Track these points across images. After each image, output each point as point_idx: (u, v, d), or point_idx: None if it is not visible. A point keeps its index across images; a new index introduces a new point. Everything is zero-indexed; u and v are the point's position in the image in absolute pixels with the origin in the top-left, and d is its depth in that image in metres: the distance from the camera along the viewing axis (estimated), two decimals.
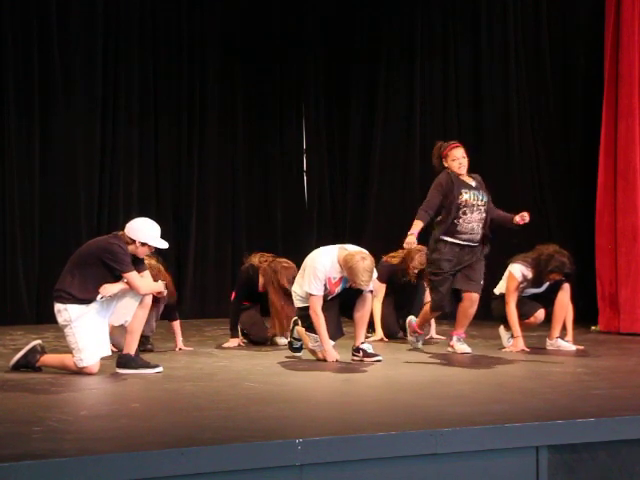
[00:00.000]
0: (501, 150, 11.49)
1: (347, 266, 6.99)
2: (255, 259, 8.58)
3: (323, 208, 13.07)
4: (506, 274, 8.04)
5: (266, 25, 12.74)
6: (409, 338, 8.10)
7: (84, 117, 11.56)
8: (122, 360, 6.65)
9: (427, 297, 9.13)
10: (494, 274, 8.11)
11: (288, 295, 7.99)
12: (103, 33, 11.69)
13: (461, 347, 7.71)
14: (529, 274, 7.89)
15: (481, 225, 7.61)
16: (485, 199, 7.67)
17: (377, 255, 8.21)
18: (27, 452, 3.84)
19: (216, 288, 12.29)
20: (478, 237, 7.60)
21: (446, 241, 7.55)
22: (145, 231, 6.64)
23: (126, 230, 6.64)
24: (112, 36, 11.78)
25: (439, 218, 7.62)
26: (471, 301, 7.62)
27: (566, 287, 7.93)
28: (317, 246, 7.67)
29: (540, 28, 11.14)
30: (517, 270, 7.92)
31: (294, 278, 8.14)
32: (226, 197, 12.54)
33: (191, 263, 12.23)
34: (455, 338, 7.75)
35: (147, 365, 6.63)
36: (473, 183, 7.69)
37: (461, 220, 7.54)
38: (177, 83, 12.25)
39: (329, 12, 12.98)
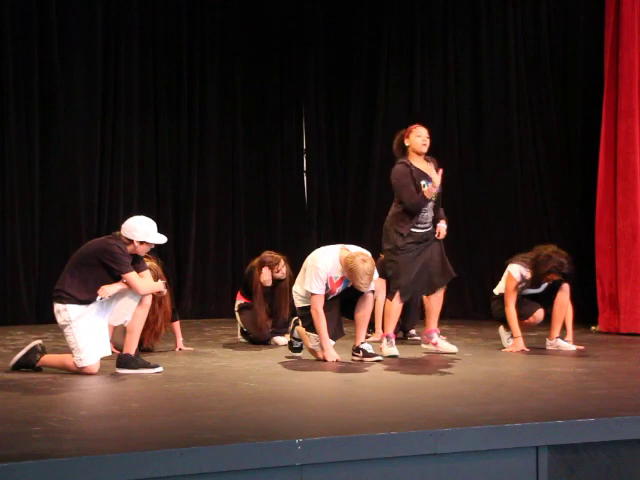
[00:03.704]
0: (501, 150, 11.49)
1: (347, 268, 7.00)
2: (256, 260, 8.71)
3: (323, 208, 13.07)
4: (505, 274, 8.04)
5: (266, 25, 12.75)
6: (384, 347, 7.56)
7: (84, 117, 11.56)
8: (122, 360, 6.65)
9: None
10: (494, 275, 8.11)
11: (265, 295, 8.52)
12: (103, 33, 11.69)
13: (445, 345, 7.80)
14: (528, 274, 7.89)
15: (432, 212, 7.63)
16: (439, 190, 7.59)
17: (376, 255, 8.21)
18: (27, 452, 3.84)
19: (216, 288, 12.30)
20: (429, 223, 7.61)
21: (412, 232, 7.53)
22: (141, 229, 6.62)
23: (122, 231, 6.63)
24: (112, 36, 11.78)
25: (398, 209, 7.54)
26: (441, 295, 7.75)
27: (565, 287, 7.93)
28: (317, 246, 7.69)
29: (540, 28, 11.15)
30: (516, 270, 7.92)
31: (273, 263, 8.42)
32: (226, 197, 12.55)
33: (191, 263, 12.23)
34: (436, 334, 7.80)
35: (147, 365, 6.63)
36: (431, 173, 7.58)
37: (421, 213, 7.55)
38: (177, 83, 12.25)
39: (329, 12, 12.99)
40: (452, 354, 7.67)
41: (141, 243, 6.62)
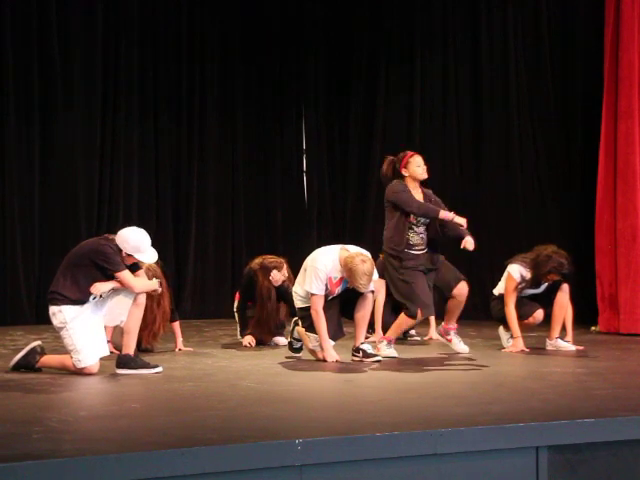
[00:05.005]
0: (501, 150, 11.50)
1: (347, 268, 6.99)
2: (255, 262, 8.68)
3: (323, 208, 13.07)
4: (505, 275, 8.04)
5: (266, 25, 12.75)
6: (382, 348, 7.55)
7: (84, 117, 11.57)
8: (121, 360, 6.64)
9: None
10: (494, 275, 8.10)
11: (275, 297, 8.44)
12: (103, 33, 11.70)
13: (459, 345, 7.78)
14: (527, 274, 7.89)
15: (425, 235, 7.49)
16: (426, 221, 7.48)
17: (375, 255, 8.21)
18: (27, 452, 3.84)
19: (216, 288, 12.30)
20: (423, 246, 7.49)
21: (408, 252, 7.43)
22: (133, 243, 6.56)
23: (116, 237, 6.61)
24: (112, 36, 11.79)
25: (389, 234, 7.48)
26: (463, 294, 7.70)
27: (565, 287, 7.92)
28: (317, 246, 7.67)
29: (540, 28, 11.16)
30: (515, 271, 7.92)
31: (279, 269, 8.40)
32: (226, 197, 12.55)
33: (191, 263, 12.24)
34: (452, 332, 7.79)
35: (146, 365, 6.62)
36: (421, 199, 7.52)
37: (411, 233, 7.46)
38: (177, 83, 12.26)
39: (329, 12, 13.00)
40: (463, 354, 7.68)
41: (129, 255, 6.61)
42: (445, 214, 7.36)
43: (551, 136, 11.09)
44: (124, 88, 11.86)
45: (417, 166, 7.55)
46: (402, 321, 7.57)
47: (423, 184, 7.62)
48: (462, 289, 7.72)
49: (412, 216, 7.41)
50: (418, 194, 7.54)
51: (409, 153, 7.63)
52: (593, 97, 10.22)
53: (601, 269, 9.80)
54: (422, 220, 7.46)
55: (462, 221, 7.38)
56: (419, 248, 7.48)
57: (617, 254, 9.62)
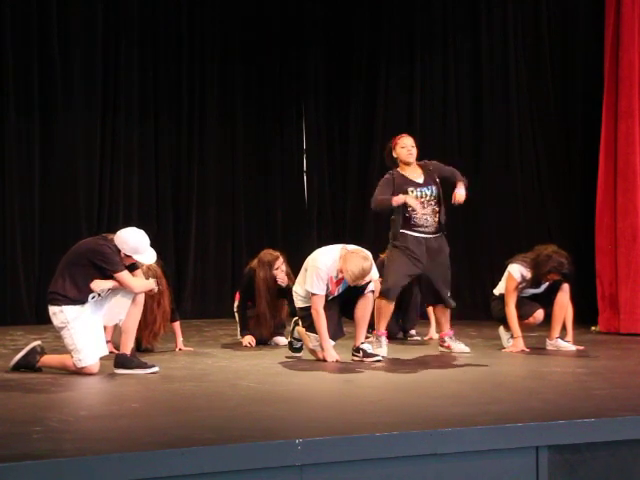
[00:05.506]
0: (501, 150, 11.50)
1: (345, 260, 6.94)
2: (254, 262, 8.67)
3: (323, 208, 13.07)
4: (505, 274, 8.04)
5: (266, 25, 12.76)
6: (375, 346, 7.54)
7: (84, 117, 11.57)
8: (119, 360, 6.63)
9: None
10: (494, 275, 8.10)
11: (276, 294, 8.43)
12: (103, 33, 11.70)
13: (458, 346, 7.81)
14: (528, 274, 7.89)
15: (434, 216, 7.67)
16: (434, 193, 7.66)
17: (376, 255, 8.21)
18: (27, 452, 3.84)
19: (216, 288, 12.30)
20: (433, 228, 7.66)
21: (406, 233, 7.60)
22: (131, 244, 6.56)
23: (115, 238, 6.61)
24: (112, 36, 11.79)
25: (393, 216, 7.66)
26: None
27: (565, 287, 7.92)
28: (317, 246, 7.68)
29: (540, 28, 11.16)
30: (516, 270, 7.92)
31: (272, 262, 8.39)
32: (226, 197, 12.55)
33: (191, 263, 12.24)
34: (447, 338, 7.84)
35: (143, 365, 6.61)
36: (420, 179, 7.68)
37: (413, 214, 7.58)
38: (177, 83, 12.26)
39: (329, 12, 13.00)
40: (466, 353, 7.71)
41: (127, 256, 6.61)
42: (394, 200, 7.47)
43: (551, 136, 11.09)
44: (124, 88, 11.86)
45: (401, 147, 7.73)
46: (378, 306, 7.59)
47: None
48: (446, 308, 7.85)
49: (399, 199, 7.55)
50: (416, 172, 7.69)
51: (399, 136, 7.84)
52: (593, 97, 10.21)
53: (601, 269, 9.80)
54: (428, 199, 7.55)
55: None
56: (423, 230, 7.61)
57: (617, 254, 9.62)
